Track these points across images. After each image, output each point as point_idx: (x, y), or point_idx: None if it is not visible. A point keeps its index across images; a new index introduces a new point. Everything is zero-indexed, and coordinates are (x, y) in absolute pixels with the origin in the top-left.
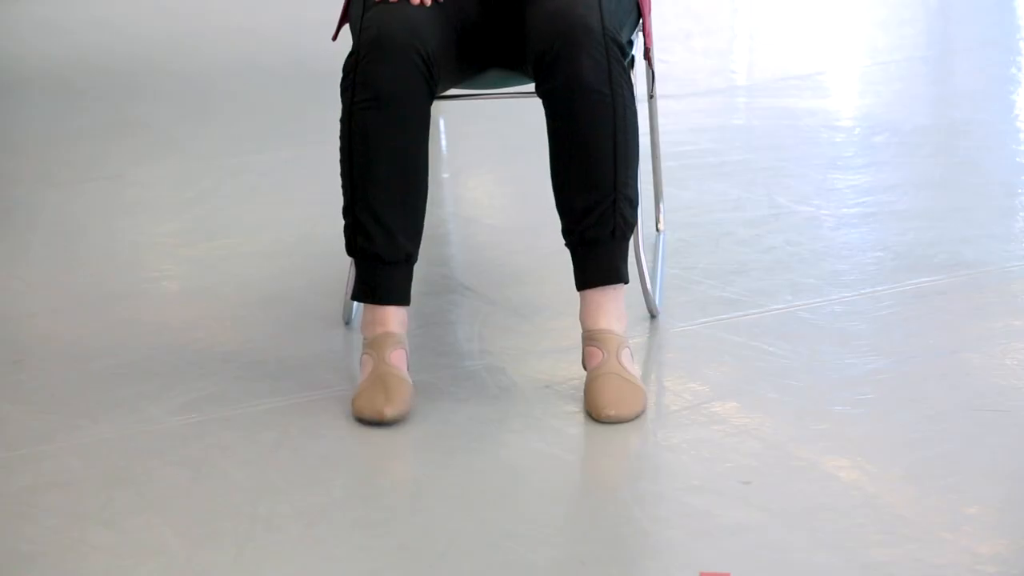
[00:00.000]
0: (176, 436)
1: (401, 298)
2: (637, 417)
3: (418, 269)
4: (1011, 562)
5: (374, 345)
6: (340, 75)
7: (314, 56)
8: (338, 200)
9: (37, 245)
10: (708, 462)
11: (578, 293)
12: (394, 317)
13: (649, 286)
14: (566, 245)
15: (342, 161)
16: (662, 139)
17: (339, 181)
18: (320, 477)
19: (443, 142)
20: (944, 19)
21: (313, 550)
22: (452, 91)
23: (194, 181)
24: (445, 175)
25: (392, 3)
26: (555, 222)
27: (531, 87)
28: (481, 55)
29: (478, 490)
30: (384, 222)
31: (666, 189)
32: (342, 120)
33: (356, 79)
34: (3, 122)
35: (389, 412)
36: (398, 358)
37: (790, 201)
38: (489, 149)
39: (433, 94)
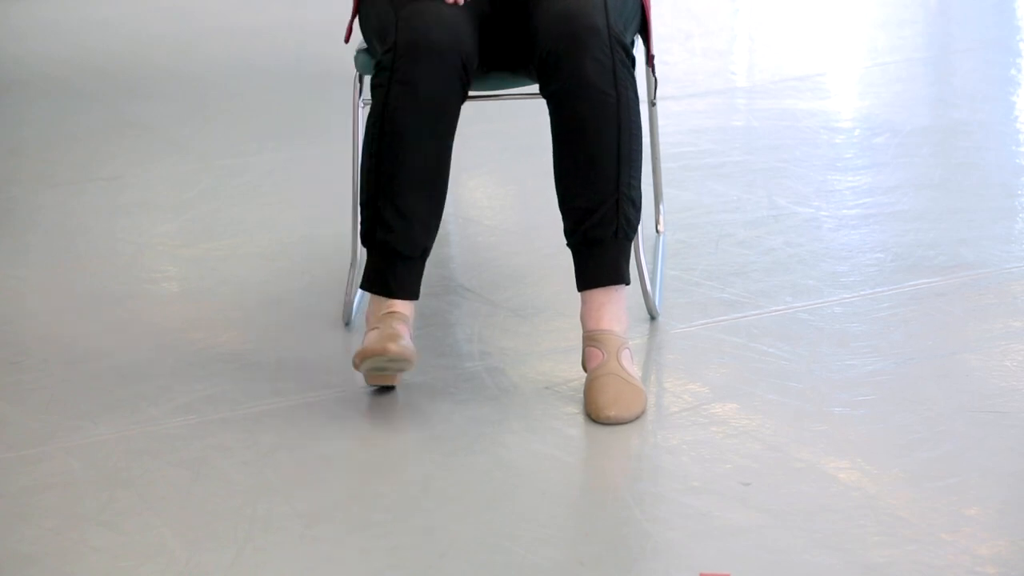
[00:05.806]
0: (175, 437)
1: (412, 292)
2: (637, 418)
3: None
4: (1011, 563)
5: (380, 320)
6: (340, 75)
7: (314, 56)
8: (338, 201)
9: (37, 245)
10: (708, 463)
11: (579, 294)
12: (402, 309)
13: (649, 287)
14: (568, 245)
15: (368, 154)
16: (661, 140)
17: (339, 182)
18: (319, 478)
19: None
20: (944, 20)
21: (312, 551)
22: None
23: (194, 181)
24: None
25: (428, 1)
26: (555, 223)
27: (534, 88)
28: (487, 57)
29: (478, 491)
30: (407, 217)
31: (666, 190)
32: (372, 114)
33: (394, 76)
34: (3, 122)
35: (393, 347)
36: (404, 331)
37: (790, 202)
38: (489, 150)
39: (466, 96)
